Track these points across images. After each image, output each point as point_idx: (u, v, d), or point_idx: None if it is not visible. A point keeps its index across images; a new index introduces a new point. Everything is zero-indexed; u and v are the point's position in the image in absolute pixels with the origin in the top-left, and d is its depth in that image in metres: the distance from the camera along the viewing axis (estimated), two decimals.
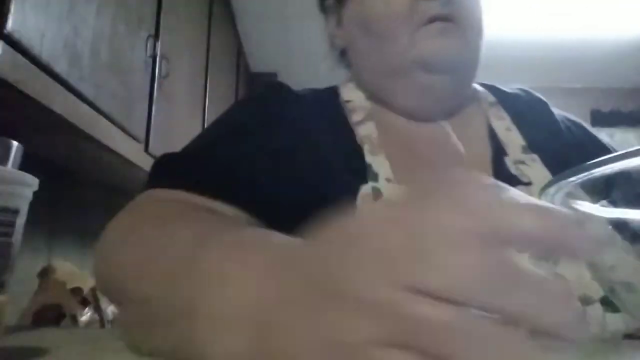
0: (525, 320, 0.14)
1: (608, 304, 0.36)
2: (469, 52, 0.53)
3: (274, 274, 0.20)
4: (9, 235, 0.32)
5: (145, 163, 1.16)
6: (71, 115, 0.82)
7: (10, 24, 0.64)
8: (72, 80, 0.82)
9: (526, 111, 0.60)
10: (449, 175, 0.17)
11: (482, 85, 0.64)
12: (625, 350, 0.28)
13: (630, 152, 0.18)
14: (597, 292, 0.37)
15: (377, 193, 0.44)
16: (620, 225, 0.22)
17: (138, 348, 0.30)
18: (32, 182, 0.33)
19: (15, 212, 0.32)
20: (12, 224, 0.32)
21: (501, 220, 0.15)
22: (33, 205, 0.34)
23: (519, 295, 0.14)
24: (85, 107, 0.88)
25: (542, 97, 0.63)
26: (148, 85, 1.22)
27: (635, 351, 0.27)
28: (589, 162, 0.19)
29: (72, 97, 0.83)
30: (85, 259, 1.29)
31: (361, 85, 0.59)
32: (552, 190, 0.22)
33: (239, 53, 2.50)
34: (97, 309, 0.99)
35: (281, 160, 0.46)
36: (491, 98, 0.61)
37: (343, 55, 0.62)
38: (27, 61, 0.70)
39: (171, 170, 0.46)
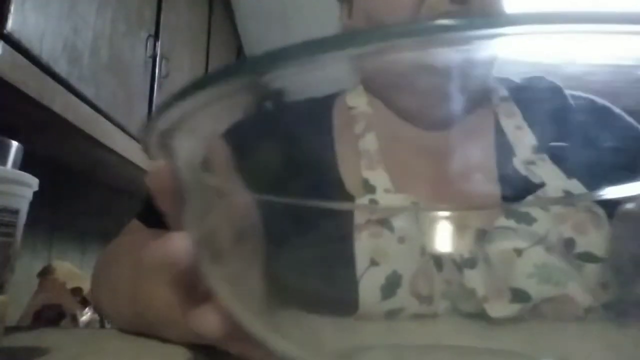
0: None
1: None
2: None
3: None
4: (9, 235, 0.32)
5: (145, 163, 1.16)
6: (71, 115, 0.82)
7: (10, 24, 0.64)
8: (72, 80, 0.82)
9: (540, 103, 0.57)
10: None
11: (498, 77, 0.62)
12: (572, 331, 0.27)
13: None
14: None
15: (373, 204, 0.43)
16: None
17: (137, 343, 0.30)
18: (32, 182, 0.33)
19: (15, 212, 0.32)
20: (12, 224, 0.32)
21: None
22: (33, 205, 0.34)
23: None
24: (85, 107, 0.88)
25: (556, 84, 0.60)
26: (148, 85, 1.22)
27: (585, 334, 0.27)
28: None
29: (72, 97, 0.83)
30: (85, 259, 1.29)
31: (367, 86, 0.58)
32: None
33: (239, 53, 2.50)
34: (97, 309, 0.99)
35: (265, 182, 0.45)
36: (503, 92, 0.59)
37: None
38: (27, 61, 0.70)
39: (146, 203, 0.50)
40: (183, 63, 1.52)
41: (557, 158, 0.49)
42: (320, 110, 0.56)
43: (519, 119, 0.54)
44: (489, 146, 0.53)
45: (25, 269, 1.01)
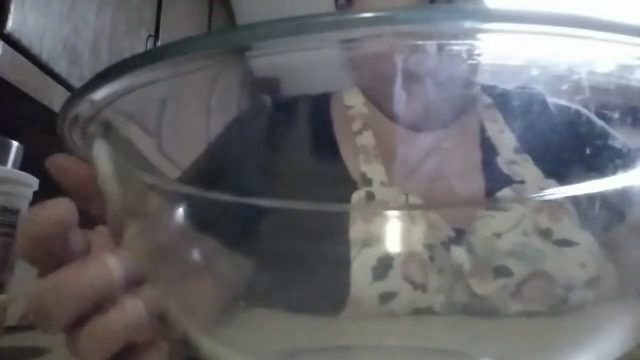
0: None
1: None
2: None
3: None
4: (9, 235, 0.32)
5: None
6: None
7: (10, 24, 0.64)
8: (72, 80, 0.82)
9: (521, 110, 0.60)
10: None
11: (482, 85, 0.64)
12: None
13: None
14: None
15: (370, 197, 0.45)
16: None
17: None
18: (32, 182, 0.33)
19: (15, 212, 0.32)
20: (12, 224, 0.32)
21: None
22: (33, 205, 0.34)
23: None
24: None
25: (540, 91, 0.62)
26: None
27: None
28: None
29: None
30: None
31: (360, 88, 0.60)
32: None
33: None
34: None
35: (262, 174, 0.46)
36: (487, 100, 0.62)
37: None
38: (27, 61, 0.70)
39: None
40: None
41: (538, 159, 0.52)
42: (319, 106, 0.59)
43: (501, 124, 0.57)
44: (474, 147, 0.55)
45: (26, 269, 1.01)
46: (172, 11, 1.37)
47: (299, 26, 0.15)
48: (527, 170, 0.50)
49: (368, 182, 0.47)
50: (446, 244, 0.30)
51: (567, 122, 0.58)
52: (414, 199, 0.36)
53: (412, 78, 0.54)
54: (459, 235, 0.31)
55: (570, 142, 0.53)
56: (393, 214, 0.31)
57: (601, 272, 0.28)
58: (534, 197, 0.43)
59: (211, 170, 0.48)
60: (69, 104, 0.18)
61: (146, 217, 0.24)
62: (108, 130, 0.20)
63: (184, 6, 1.52)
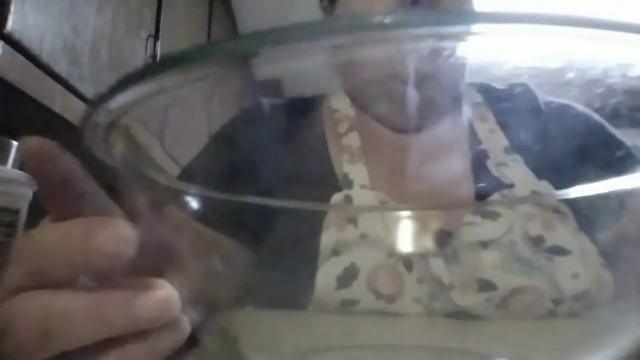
0: None
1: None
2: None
3: None
4: (9, 235, 0.32)
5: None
6: (71, 115, 0.82)
7: (10, 24, 0.64)
8: (72, 80, 0.82)
9: (513, 108, 0.59)
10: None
11: (472, 84, 0.64)
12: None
13: None
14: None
15: (348, 200, 0.43)
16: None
17: None
18: (32, 182, 0.33)
19: (15, 212, 0.32)
20: (12, 224, 0.32)
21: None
22: (33, 205, 0.34)
23: None
24: (85, 107, 0.88)
25: (531, 89, 0.62)
26: None
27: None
28: None
29: (72, 97, 0.83)
30: None
31: (346, 92, 0.59)
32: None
33: None
34: None
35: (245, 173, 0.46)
36: (477, 98, 0.61)
37: None
38: (27, 61, 0.70)
39: None
40: None
41: (529, 159, 0.50)
42: (311, 108, 0.59)
43: (492, 122, 0.56)
44: (462, 149, 0.54)
45: None
46: (172, 11, 1.37)
47: (300, 33, 0.15)
48: (517, 172, 0.49)
49: (349, 183, 0.47)
50: (424, 256, 0.29)
51: (560, 120, 0.57)
52: (393, 206, 0.35)
53: (401, 80, 0.53)
54: (443, 240, 0.30)
55: (564, 140, 0.52)
56: (368, 224, 0.31)
57: (595, 283, 0.27)
58: (526, 199, 0.41)
59: (208, 168, 0.48)
60: (87, 113, 0.19)
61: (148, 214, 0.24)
62: (125, 135, 0.21)
63: (183, 6, 1.52)
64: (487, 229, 0.31)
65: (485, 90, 0.61)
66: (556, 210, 0.31)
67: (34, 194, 0.34)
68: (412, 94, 0.50)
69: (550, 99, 0.60)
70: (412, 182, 0.42)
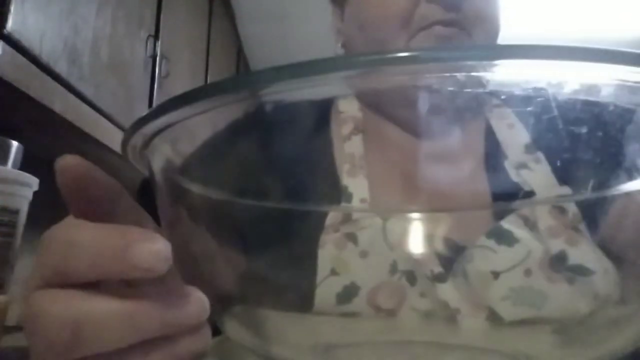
0: None
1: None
2: None
3: None
4: (9, 235, 0.32)
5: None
6: (71, 115, 0.82)
7: (10, 24, 0.64)
8: (72, 80, 0.82)
9: (533, 104, 0.56)
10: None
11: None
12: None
13: None
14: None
15: (347, 217, 0.40)
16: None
17: None
18: (32, 182, 0.33)
19: (15, 212, 0.32)
20: (12, 224, 0.32)
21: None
22: (33, 205, 0.34)
23: None
24: (85, 107, 0.88)
25: (547, 90, 0.60)
26: (148, 85, 1.21)
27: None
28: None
29: (72, 97, 0.83)
30: None
31: (360, 97, 0.57)
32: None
33: (239, 54, 2.50)
34: None
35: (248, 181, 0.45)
36: (495, 100, 0.59)
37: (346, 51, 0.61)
38: (27, 61, 0.70)
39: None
40: (183, 63, 1.52)
41: (552, 157, 0.47)
42: (319, 113, 0.56)
43: (511, 118, 0.52)
44: (478, 153, 0.51)
45: (26, 269, 1.01)
46: (172, 11, 1.37)
47: (317, 67, 0.17)
48: (538, 175, 0.45)
49: (348, 197, 0.44)
50: (432, 280, 0.28)
51: (588, 118, 0.53)
52: (402, 209, 0.33)
53: (421, 90, 0.51)
54: (453, 252, 0.29)
55: (589, 140, 0.49)
56: (369, 241, 0.30)
57: (610, 300, 0.26)
58: (544, 200, 0.39)
59: (207, 167, 0.47)
60: (127, 136, 0.22)
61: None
62: (156, 152, 0.24)
63: (183, 6, 1.52)
64: (501, 258, 0.29)
65: (502, 93, 0.59)
66: (577, 229, 0.30)
67: (34, 194, 0.34)
68: (433, 101, 0.48)
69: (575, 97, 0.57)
70: (422, 187, 0.40)
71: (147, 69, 1.20)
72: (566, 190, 0.36)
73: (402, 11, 0.48)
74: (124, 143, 0.22)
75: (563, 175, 0.38)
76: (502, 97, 0.55)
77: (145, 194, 0.46)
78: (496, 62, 0.16)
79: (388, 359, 0.24)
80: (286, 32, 2.45)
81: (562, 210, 0.33)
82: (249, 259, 0.28)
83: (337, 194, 0.44)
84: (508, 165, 0.47)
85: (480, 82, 0.17)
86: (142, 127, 0.21)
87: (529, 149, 0.49)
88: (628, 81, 0.17)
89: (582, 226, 0.30)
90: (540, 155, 0.48)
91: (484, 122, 0.54)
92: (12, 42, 0.66)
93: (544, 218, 0.32)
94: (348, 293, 0.29)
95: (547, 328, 0.26)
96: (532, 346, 0.23)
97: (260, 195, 0.43)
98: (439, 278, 0.28)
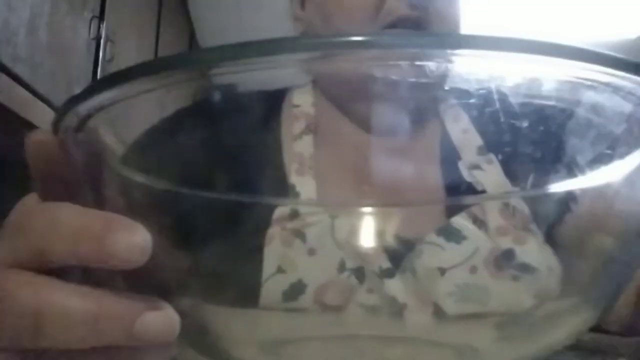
0: None
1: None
2: None
3: None
4: None
5: None
6: (5, 98, 0.78)
7: None
8: (6, 61, 0.77)
9: (486, 106, 0.58)
10: None
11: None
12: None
13: None
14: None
15: (294, 213, 0.40)
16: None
17: None
18: None
19: None
20: None
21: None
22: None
23: None
24: (20, 90, 0.83)
25: (504, 90, 0.62)
26: (91, 68, 1.16)
27: None
28: None
29: (5, 78, 0.78)
30: None
31: (316, 85, 0.56)
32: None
33: (192, 37, 2.43)
34: None
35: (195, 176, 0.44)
36: (452, 100, 0.60)
37: None
38: None
39: None
40: (130, 47, 1.45)
41: (504, 158, 0.49)
42: (271, 106, 0.55)
43: (465, 122, 0.55)
44: (433, 151, 0.53)
45: None
46: None
47: (267, 48, 0.16)
48: (490, 175, 0.46)
49: (295, 196, 0.44)
50: (379, 276, 0.28)
51: (538, 122, 0.55)
52: (341, 221, 0.33)
53: (378, 90, 0.51)
54: (403, 247, 0.29)
55: (539, 140, 0.50)
56: (317, 239, 0.30)
57: (551, 296, 0.27)
58: (495, 197, 0.40)
59: (151, 155, 0.44)
60: (58, 118, 0.20)
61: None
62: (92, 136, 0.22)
63: None
64: (449, 254, 0.30)
65: (457, 92, 0.60)
66: (527, 230, 0.31)
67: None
68: (388, 93, 0.48)
69: (526, 100, 0.59)
70: (374, 183, 0.40)
71: (90, 51, 1.14)
72: (517, 191, 0.39)
73: (369, 5, 0.48)
74: (55, 123, 0.20)
75: (514, 175, 0.40)
76: (456, 100, 0.56)
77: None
78: (452, 50, 0.16)
79: (335, 354, 0.24)
80: (239, 14, 2.39)
81: (513, 210, 0.34)
82: (193, 252, 0.28)
83: (284, 192, 0.44)
84: (462, 165, 0.48)
85: (431, 72, 0.17)
86: (77, 106, 0.19)
87: (482, 150, 0.50)
88: (581, 78, 0.17)
89: (533, 226, 0.31)
90: (492, 156, 0.50)
91: (439, 125, 0.55)
92: None
93: (494, 217, 0.33)
94: (294, 291, 0.29)
95: (489, 322, 0.26)
96: (474, 339, 0.23)
97: (205, 186, 0.42)
98: (387, 274, 0.28)
